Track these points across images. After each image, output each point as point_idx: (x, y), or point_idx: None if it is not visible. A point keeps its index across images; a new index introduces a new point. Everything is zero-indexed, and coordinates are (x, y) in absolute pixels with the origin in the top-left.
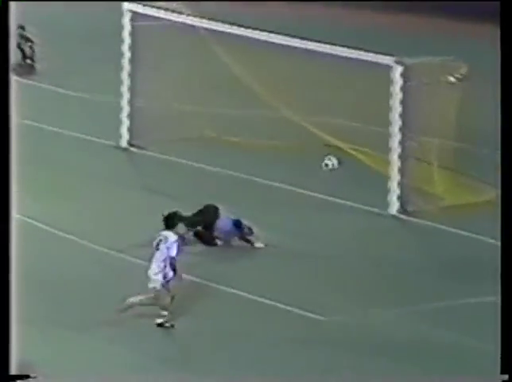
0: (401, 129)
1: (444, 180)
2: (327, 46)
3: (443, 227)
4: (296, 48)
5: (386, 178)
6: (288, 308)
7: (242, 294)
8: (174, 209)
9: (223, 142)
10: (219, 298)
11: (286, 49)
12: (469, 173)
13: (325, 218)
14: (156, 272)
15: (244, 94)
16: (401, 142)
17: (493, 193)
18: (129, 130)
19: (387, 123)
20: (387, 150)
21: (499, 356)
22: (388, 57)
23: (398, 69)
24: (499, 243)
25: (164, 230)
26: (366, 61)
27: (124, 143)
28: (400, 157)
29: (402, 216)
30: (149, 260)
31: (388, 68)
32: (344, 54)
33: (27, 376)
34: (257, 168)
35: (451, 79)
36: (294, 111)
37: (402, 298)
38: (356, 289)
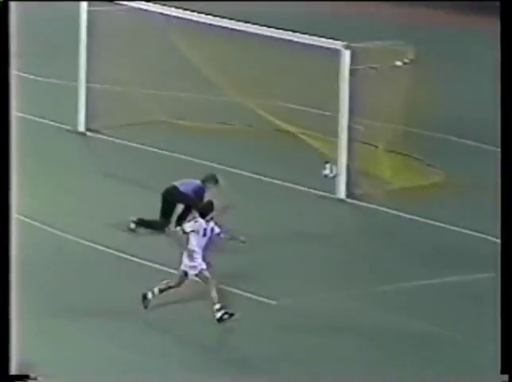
0: (349, 113)
1: (392, 163)
2: (278, 31)
3: (390, 210)
4: (247, 33)
5: (335, 162)
6: (240, 292)
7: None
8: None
9: (177, 126)
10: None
11: (237, 34)
12: (416, 156)
13: (274, 201)
14: (193, 265)
15: (197, 78)
16: (349, 127)
17: (439, 176)
18: (87, 114)
19: (336, 108)
20: (336, 133)
21: (499, 356)
22: (336, 42)
23: (347, 54)
24: (445, 225)
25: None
26: (316, 46)
27: (81, 128)
28: (348, 141)
29: (350, 200)
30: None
31: (337, 52)
32: (294, 39)
33: (27, 376)
34: (209, 152)
35: (399, 63)
36: (245, 95)
37: (351, 281)
38: (305, 272)
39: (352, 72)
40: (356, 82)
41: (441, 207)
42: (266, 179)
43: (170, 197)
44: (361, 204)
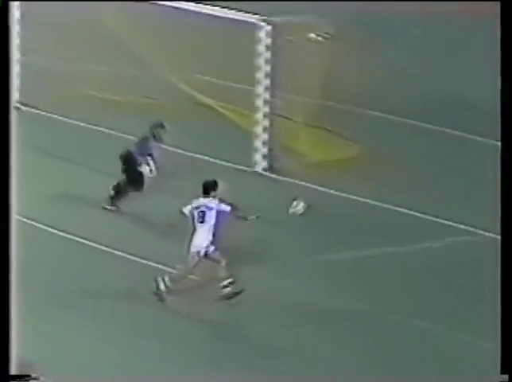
0: (267, 87)
1: (310, 137)
2: (197, 5)
3: (309, 184)
4: (169, 7)
5: (254, 134)
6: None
7: (132, 257)
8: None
9: (103, 100)
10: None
11: (159, 9)
12: (333, 130)
13: (193, 175)
14: (207, 244)
15: (121, 53)
16: (268, 100)
17: (357, 150)
18: (18, 88)
19: (256, 82)
20: (256, 107)
21: (499, 356)
22: (255, 16)
23: (264, 28)
24: (364, 200)
25: (199, 198)
26: (234, 20)
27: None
28: (266, 115)
29: (268, 174)
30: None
31: (255, 26)
32: (214, 13)
33: (28, 376)
34: (133, 126)
35: (317, 37)
36: (167, 70)
37: (270, 255)
38: (224, 247)
39: (271, 45)
40: (275, 56)
41: (359, 181)
42: (186, 153)
43: (125, 162)
44: (279, 177)
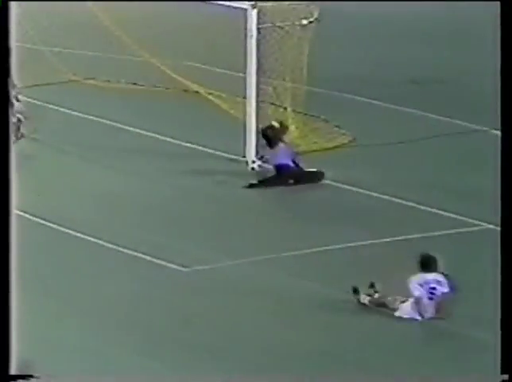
0: (256, 73)
1: (299, 125)
2: None
3: None
4: None
5: (243, 123)
6: (149, 258)
7: (106, 244)
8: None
9: (88, 86)
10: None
11: None
12: (323, 117)
13: (182, 164)
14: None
15: (106, 37)
16: (258, 87)
17: (347, 137)
18: None
19: (245, 68)
20: (243, 94)
21: (499, 356)
22: (242, 1)
23: (253, 12)
24: (351, 188)
25: (422, 273)
26: (223, 5)
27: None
28: (256, 102)
29: (259, 163)
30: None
31: (242, 11)
32: None
33: (27, 376)
34: (118, 113)
35: (305, 21)
36: (154, 55)
37: (262, 246)
38: (215, 238)
39: (259, 31)
40: (263, 41)
41: (349, 168)
42: (174, 141)
43: None
44: (269, 166)
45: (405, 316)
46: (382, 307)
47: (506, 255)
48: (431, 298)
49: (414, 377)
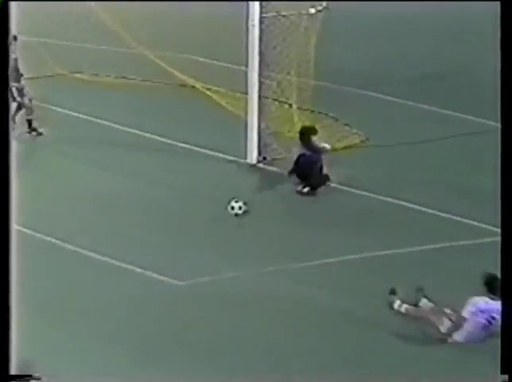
0: (259, 66)
1: (304, 123)
2: None
3: None
4: None
5: (244, 121)
6: (142, 271)
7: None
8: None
9: (76, 80)
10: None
11: None
12: (330, 115)
13: (177, 166)
14: None
15: (97, 29)
16: (260, 82)
17: (358, 137)
18: None
19: (244, 60)
20: (244, 89)
21: (499, 356)
22: None
23: (255, 3)
24: (364, 192)
25: (487, 298)
26: None
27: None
28: (258, 98)
29: (262, 165)
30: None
31: (245, 1)
32: None
33: (27, 376)
34: (107, 110)
35: (312, 10)
36: (147, 47)
37: (267, 256)
38: (214, 248)
39: (262, 20)
40: (266, 32)
41: (360, 171)
42: (168, 141)
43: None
44: (274, 169)
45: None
46: (421, 320)
47: (506, 255)
48: (487, 327)
49: (414, 378)
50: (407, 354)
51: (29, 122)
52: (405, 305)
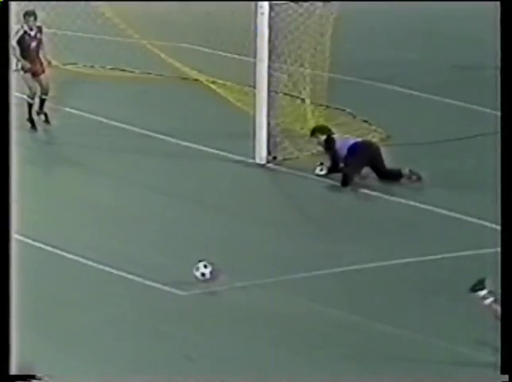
0: (268, 57)
1: (319, 120)
2: None
3: (318, 177)
4: None
5: (252, 117)
6: (143, 280)
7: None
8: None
9: (71, 72)
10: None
11: None
12: (347, 110)
13: (179, 166)
14: None
15: (94, 18)
16: (269, 74)
17: (377, 135)
18: None
19: (253, 51)
20: (252, 83)
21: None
22: None
23: None
24: (385, 196)
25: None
26: None
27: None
28: (268, 92)
29: (272, 165)
30: None
31: None
32: None
33: (27, 376)
34: (103, 106)
35: None
36: (146, 37)
37: (276, 265)
38: (220, 255)
39: (272, 7)
40: (277, 20)
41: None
42: (167, 139)
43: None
44: (285, 169)
45: None
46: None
47: (506, 254)
48: None
49: (414, 378)
50: (407, 354)
51: (42, 102)
52: (490, 300)
